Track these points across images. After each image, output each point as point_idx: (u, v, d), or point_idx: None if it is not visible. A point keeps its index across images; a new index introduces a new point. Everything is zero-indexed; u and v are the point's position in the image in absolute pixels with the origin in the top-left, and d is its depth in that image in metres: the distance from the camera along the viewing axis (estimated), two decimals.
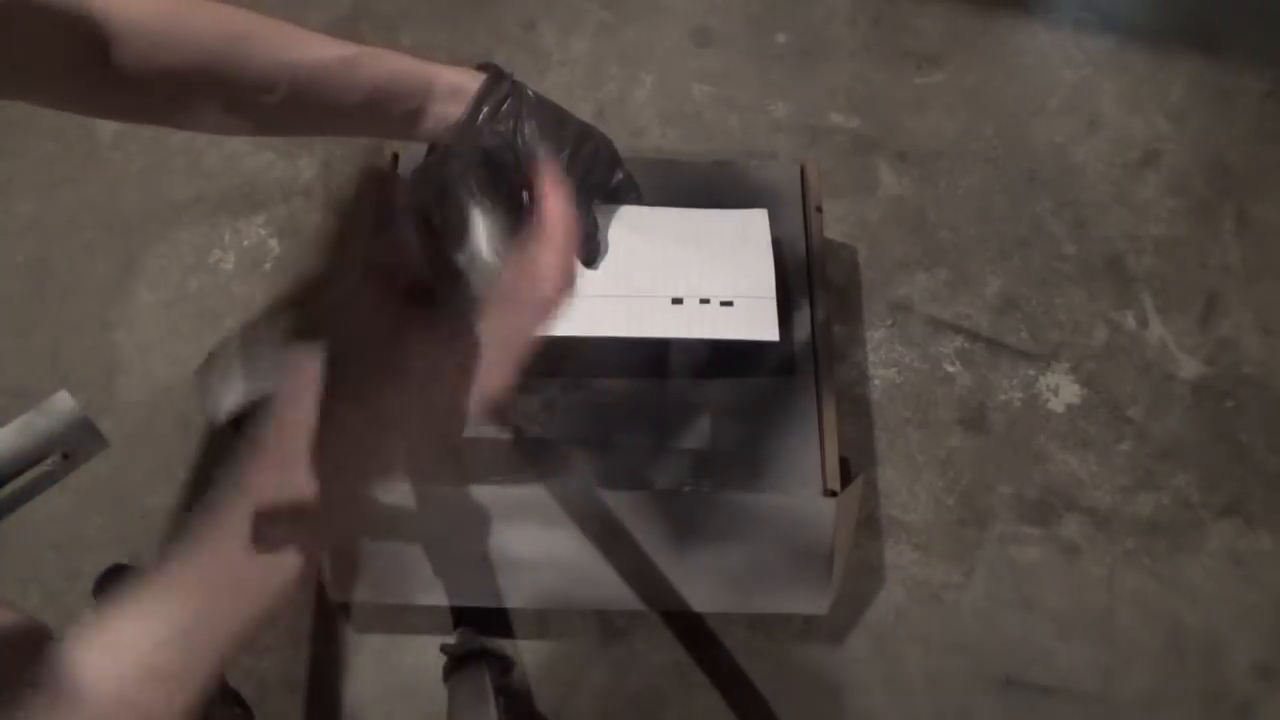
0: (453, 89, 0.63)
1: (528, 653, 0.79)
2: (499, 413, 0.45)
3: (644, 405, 0.75)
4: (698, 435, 0.74)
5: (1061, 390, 0.92)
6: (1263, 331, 0.96)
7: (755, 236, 0.73)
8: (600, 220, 0.71)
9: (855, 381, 0.92)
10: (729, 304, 0.69)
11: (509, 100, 0.65)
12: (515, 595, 0.75)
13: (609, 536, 0.73)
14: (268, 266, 0.98)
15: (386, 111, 0.62)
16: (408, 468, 0.37)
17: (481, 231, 0.41)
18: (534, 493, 0.72)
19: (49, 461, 0.62)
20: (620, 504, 0.72)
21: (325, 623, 0.80)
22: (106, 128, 1.04)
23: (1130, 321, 0.97)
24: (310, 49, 0.58)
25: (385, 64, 0.61)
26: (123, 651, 0.35)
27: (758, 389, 0.75)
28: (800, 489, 0.72)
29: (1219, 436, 0.90)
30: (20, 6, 0.47)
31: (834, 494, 0.71)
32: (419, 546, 0.73)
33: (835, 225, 1.00)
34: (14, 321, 0.94)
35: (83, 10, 0.50)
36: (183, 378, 0.91)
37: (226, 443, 0.87)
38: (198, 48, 0.54)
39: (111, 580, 0.77)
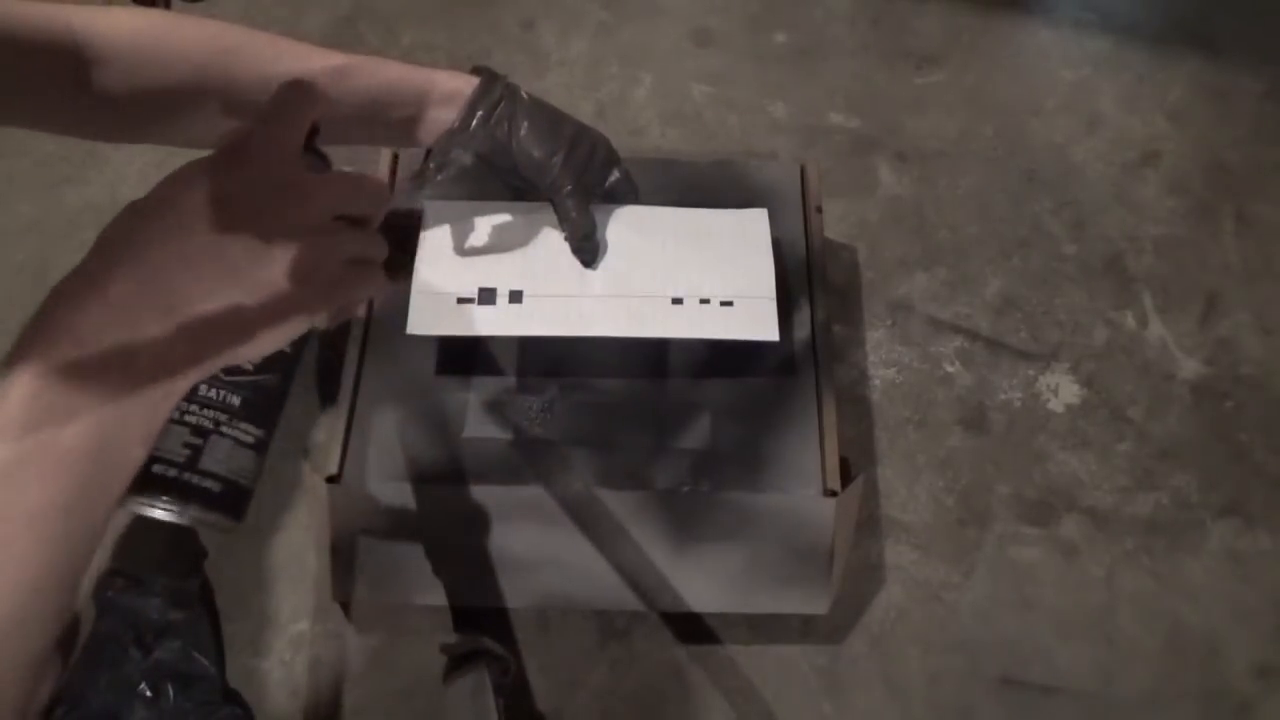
0: (449, 94, 0.64)
1: (528, 653, 0.79)
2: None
3: (644, 405, 0.75)
4: (698, 435, 0.74)
5: (1061, 390, 0.92)
6: (1262, 331, 0.96)
7: (755, 236, 0.73)
8: (599, 220, 0.71)
9: (855, 381, 0.92)
10: (729, 304, 0.69)
11: (503, 103, 0.65)
12: (515, 595, 0.75)
13: (609, 536, 0.73)
14: None
15: (382, 119, 0.62)
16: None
17: None
18: (534, 493, 0.72)
19: None
20: (620, 504, 0.72)
21: (325, 623, 0.80)
22: None
23: (1130, 321, 0.97)
24: (300, 60, 0.58)
25: (378, 72, 0.60)
26: None
27: (758, 389, 0.75)
28: (800, 489, 0.72)
29: (1219, 436, 0.90)
30: None
31: (834, 494, 0.71)
32: (419, 546, 0.73)
33: (835, 225, 1.00)
34: (14, 322, 0.94)
35: (64, 33, 0.49)
36: None
37: None
38: (184, 64, 0.54)
39: (111, 581, 0.77)
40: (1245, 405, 0.92)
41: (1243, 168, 1.07)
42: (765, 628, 0.80)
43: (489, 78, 0.65)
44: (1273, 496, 0.87)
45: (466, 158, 0.65)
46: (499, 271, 0.71)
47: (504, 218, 0.74)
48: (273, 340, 0.37)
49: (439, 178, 0.65)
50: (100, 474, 0.33)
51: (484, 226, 0.74)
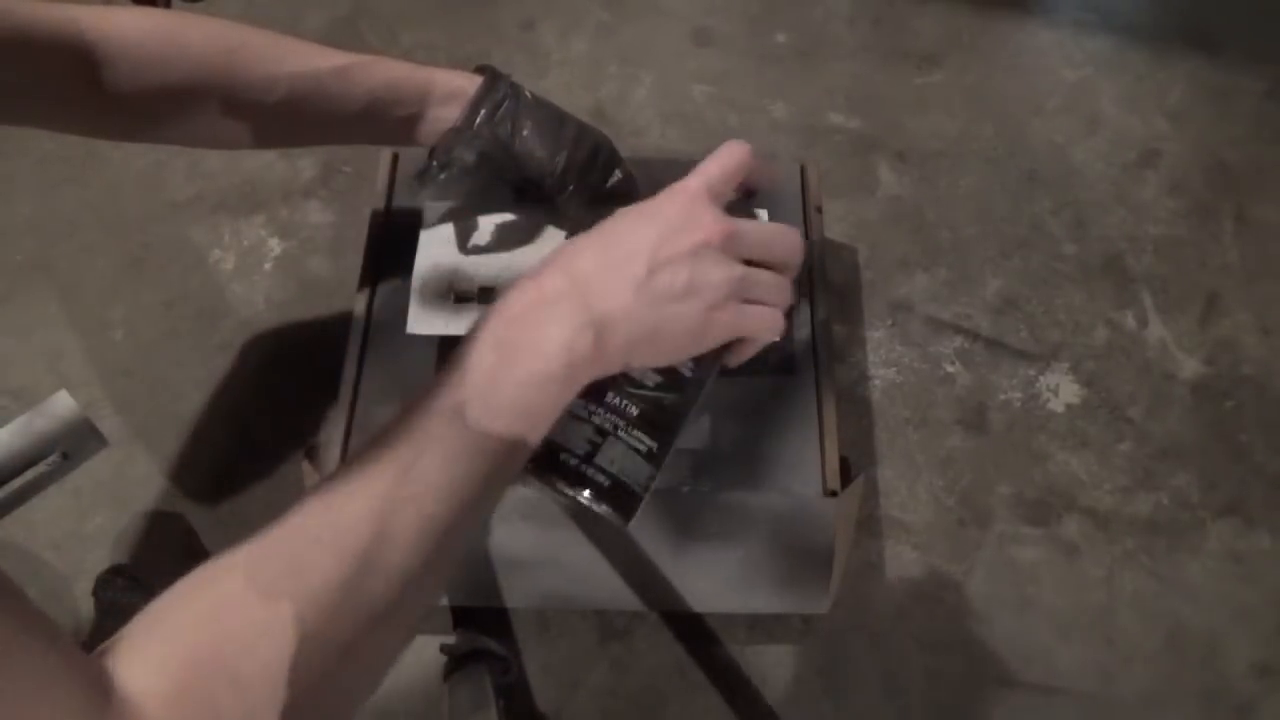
0: (451, 93, 0.64)
1: (528, 653, 0.79)
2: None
3: None
4: (698, 435, 0.74)
5: (1061, 390, 0.92)
6: (1262, 331, 0.96)
7: None
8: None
9: (855, 381, 0.92)
10: None
11: (506, 102, 0.65)
12: (515, 595, 0.75)
13: (609, 536, 0.73)
14: (268, 266, 0.98)
15: (384, 118, 0.62)
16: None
17: None
18: (534, 493, 0.72)
19: (49, 461, 0.62)
20: None
21: None
22: None
23: (1130, 321, 0.97)
24: (304, 60, 0.58)
25: (381, 71, 0.61)
26: (199, 621, 0.33)
27: (758, 389, 0.75)
28: (800, 489, 0.72)
29: (1219, 436, 0.90)
30: (10, 35, 0.47)
31: (834, 494, 0.71)
32: None
33: (835, 225, 1.00)
34: (14, 321, 0.94)
35: (73, 34, 0.50)
36: (183, 378, 0.91)
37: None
38: (190, 64, 0.55)
39: (111, 581, 0.77)
40: (1245, 405, 0.92)
41: (1243, 168, 1.07)
42: (765, 628, 0.80)
43: (492, 76, 0.65)
44: (1273, 496, 0.87)
45: (469, 157, 0.64)
46: (499, 272, 0.71)
47: (505, 218, 0.74)
48: (665, 356, 0.45)
49: (441, 177, 0.65)
50: (512, 451, 0.40)
51: (485, 226, 0.74)
